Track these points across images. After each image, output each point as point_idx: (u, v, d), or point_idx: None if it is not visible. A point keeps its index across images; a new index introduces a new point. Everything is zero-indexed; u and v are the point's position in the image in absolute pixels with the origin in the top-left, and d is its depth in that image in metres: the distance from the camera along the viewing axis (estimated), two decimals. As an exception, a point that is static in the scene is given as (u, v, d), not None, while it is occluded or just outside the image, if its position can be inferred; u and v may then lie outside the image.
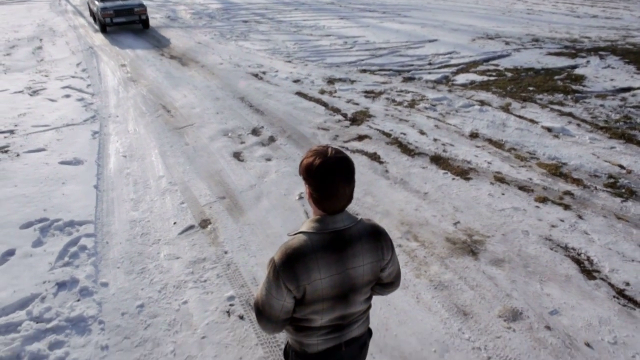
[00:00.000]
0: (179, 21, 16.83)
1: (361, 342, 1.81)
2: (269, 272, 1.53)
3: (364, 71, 9.93)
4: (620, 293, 3.47)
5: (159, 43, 13.19)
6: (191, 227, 4.46)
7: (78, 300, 3.45)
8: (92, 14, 16.05)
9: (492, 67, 9.91)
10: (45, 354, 2.96)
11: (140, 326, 3.26)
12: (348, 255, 1.53)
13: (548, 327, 3.16)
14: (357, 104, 7.82)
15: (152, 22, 16.24)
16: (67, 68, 10.39)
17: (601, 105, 7.36)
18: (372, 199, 4.84)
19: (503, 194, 4.85)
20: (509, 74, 9.34)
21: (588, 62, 10.01)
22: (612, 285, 3.55)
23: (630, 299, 3.41)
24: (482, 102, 7.67)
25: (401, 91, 8.45)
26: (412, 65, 10.26)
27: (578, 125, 6.62)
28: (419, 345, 3.04)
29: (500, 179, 5.16)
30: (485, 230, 4.26)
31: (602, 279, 3.62)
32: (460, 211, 4.58)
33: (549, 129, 6.49)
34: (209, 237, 4.31)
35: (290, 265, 1.48)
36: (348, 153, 5.86)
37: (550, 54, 10.88)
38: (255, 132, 6.73)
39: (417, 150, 5.93)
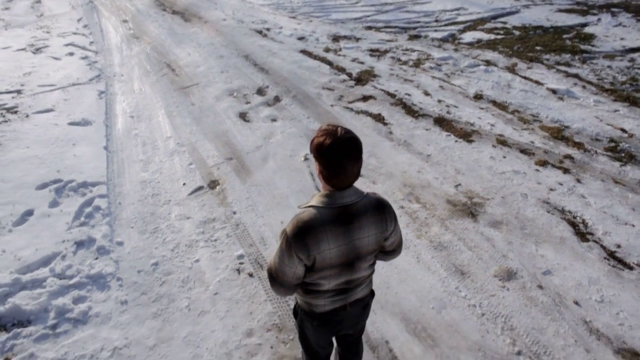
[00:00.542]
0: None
1: (364, 302, 1.99)
2: (281, 243, 1.68)
3: (370, 28, 9.77)
4: (611, 255, 3.64)
5: (160, -4, 12.91)
6: (200, 188, 4.61)
7: (96, 259, 3.65)
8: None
9: (499, 25, 9.72)
10: (70, 308, 3.19)
11: (155, 283, 3.47)
12: (354, 227, 1.66)
13: (540, 287, 3.35)
14: (362, 62, 7.77)
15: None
16: (68, 24, 10.25)
17: (608, 67, 7.29)
18: (375, 160, 4.94)
19: (504, 157, 4.94)
20: (517, 32, 9.18)
21: (599, 19, 9.78)
22: (604, 247, 3.71)
23: (620, 260, 3.58)
24: (488, 62, 7.61)
25: (407, 50, 8.36)
26: (418, 22, 10.07)
27: (583, 87, 6.60)
28: (418, 303, 3.25)
29: (502, 141, 5.23)
30: (486, 192, 4.40)
31: (595, 241, 3.78)
32: (461, 173, 4.69)
33: (554, 91, 6.48)
34: (217, 197, 4.46)
35: (301, 237, 1.62)
36: (353, 114, 5.94)
37: (560, 10, 10.62)
38: (260, 91, 6.75)
39: (421, 112, 5.98)
